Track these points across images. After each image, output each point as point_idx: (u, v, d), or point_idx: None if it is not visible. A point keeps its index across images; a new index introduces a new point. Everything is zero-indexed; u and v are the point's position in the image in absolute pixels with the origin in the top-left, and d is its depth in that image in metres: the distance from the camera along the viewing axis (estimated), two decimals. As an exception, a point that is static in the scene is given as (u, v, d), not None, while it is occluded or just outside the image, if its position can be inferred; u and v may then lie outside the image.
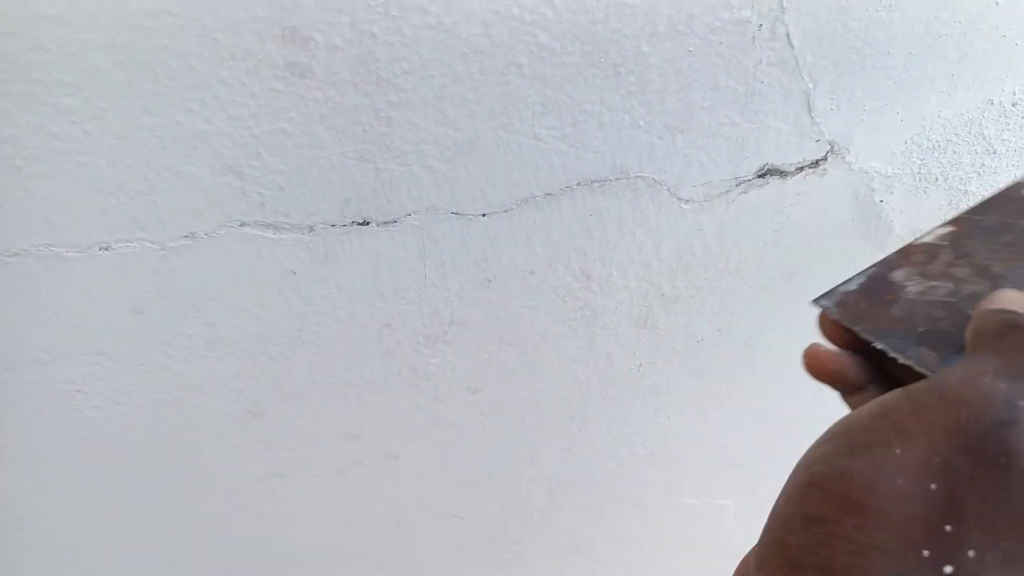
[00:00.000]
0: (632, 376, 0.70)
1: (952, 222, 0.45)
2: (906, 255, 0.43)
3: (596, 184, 0.56)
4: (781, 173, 0.58)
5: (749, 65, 0.53)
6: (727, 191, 0.58)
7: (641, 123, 0.54)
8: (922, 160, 0.60)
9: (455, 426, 0.70)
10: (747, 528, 0.92)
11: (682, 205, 0.58)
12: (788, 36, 0.52)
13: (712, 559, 0.95)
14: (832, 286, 0.42)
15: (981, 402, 0.28)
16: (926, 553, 0.27)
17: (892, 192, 0.61)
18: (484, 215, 0.56)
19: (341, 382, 0.64)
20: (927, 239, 0.44)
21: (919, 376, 0.36)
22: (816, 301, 0.41)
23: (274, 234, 0.54)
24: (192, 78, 0.46)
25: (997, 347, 0.31)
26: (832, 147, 0.58)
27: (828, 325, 0.41)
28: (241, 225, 0.53)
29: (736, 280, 0.65)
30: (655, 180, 0.57)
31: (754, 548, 0.31)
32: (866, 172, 0.60)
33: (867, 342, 0.38)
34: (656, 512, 0.84)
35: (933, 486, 0.27)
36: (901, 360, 0.36)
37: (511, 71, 0.50)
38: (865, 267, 0.43)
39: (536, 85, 0.50)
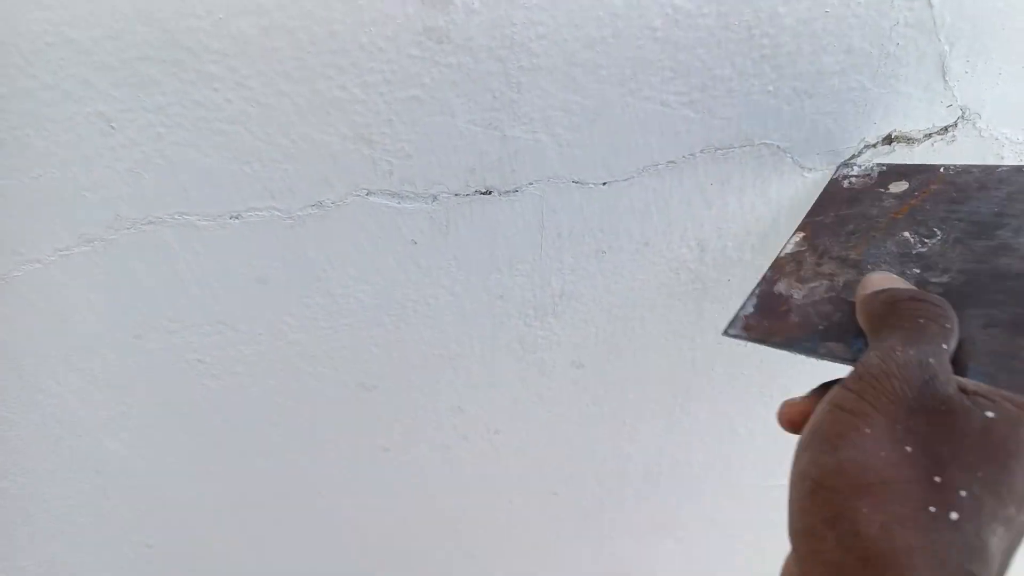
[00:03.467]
0: (739, 353, 0.69)
1: (800, 228, 0.50)
2: (779, 268, 0.48)
3: (720, 151, 0.55)
4: (908, 140, 0.57)
5: (885, 26, 0.51)
6: (852, 159, 0.57)
7: (770, 88, 0.53)
8: (1056, 126, 0.58)
9: (558, 401, 0.70)
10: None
11: (804, 174, 0.57)
12: (928, -5, 0.50)
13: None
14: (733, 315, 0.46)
15: (903, 371, 0.32)
16: (932, 509, 0.29)
17: (1023, 159, 0.59)
18: (605, 184, 0.55)
19: (450, 354, 0.64)
20: (788, 250, 0.49)
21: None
22: (725, 332, 0.45)
23: (398, 203, 0.54)
24: (333, 43, 0.46)
25: (889, 322, 0.35)
26: (963, 113, 0.56)
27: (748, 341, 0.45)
28: (367, 194, 0.53)
29: (852, 253, 0.63)
30: (779, 147, 0.56)
31: (791, 563, 0.33)
32: (996, 139, 0.58)
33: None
34: (751, 492, 0.83)
35: (908, 448, 0.31)
36: (816, 358, 0.40)
37: (644, 35, 0.49)
38: (750, 290, 0.47)
39: (668, 49, 0.50)
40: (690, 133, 0.54)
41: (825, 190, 0.53)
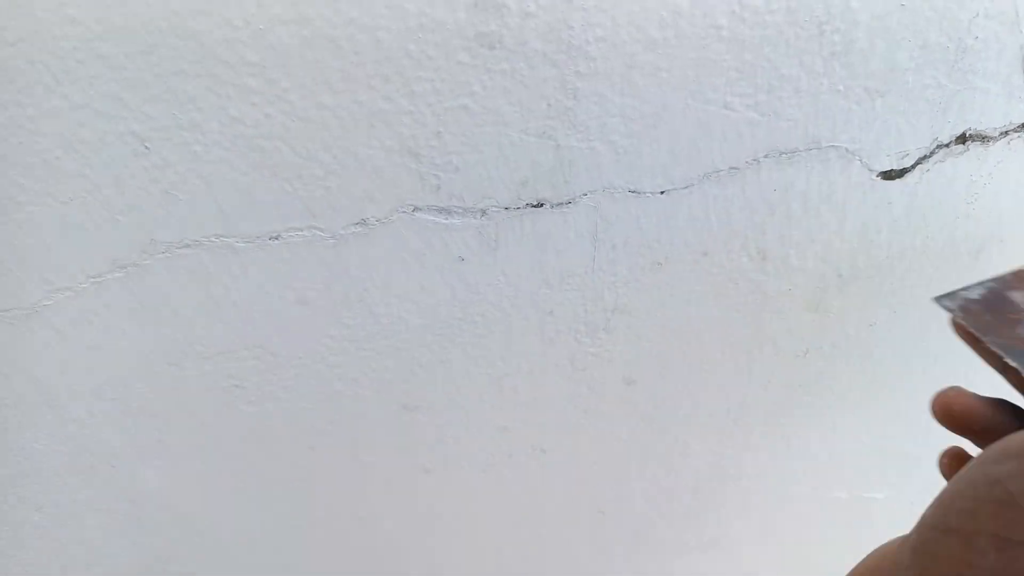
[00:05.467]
0: (797, 363, 0.65)
1: None
2: (1021, 279, 0.44)
3: (784, 155, 0.52)
4: (983, 138, 0.53)
5: (964, 19, 0.48)
6: (923, 159, 0.54)
7: (840, 87, 0.49)
8: None
9: (606, 418, 0.67)
10: (894, 521, 0.87)
11: (873, 177, 0.54)
12: (1012, -16, 0.47)
13: (855, 554, 0.90)
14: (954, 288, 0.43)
15: None
16: None
17: (1103, 157, 0.56)
18: (663, 192, 0.52)
19: (497, 373, 0.61)
20: None
21: None
22: (939, 300, 0.42)
23: (446, 219, 0.51)
24: (378, 52, 0.43)
25: None
26: (1043, 108, 0.53)
27: (957, 328, 0.42)
28: (414, 210, 0.50)
29: (920, 257, 0.60)
30: (848, 150, 0.52)
31: (911, 555, 0.30)
32: (1077, 135, 0.54)
33: (995, 354, 0.39)
34: (804, 506, 0.80)
35: None
36: None
37: (709, 34, 0.46)
38: (981, 279, 0.43)
39: (733, 49, 0.47)
40: (754, 137, 0.51)
41: None
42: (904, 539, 0.32)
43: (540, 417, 0.66)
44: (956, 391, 0.37)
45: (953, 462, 0.38)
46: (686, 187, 0.52)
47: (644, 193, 0.52)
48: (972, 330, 0.41)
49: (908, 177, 0.54)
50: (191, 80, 0.43)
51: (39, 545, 0.66)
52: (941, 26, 0.48)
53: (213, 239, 0.50)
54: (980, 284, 0.45)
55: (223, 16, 0.41)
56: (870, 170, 0.53)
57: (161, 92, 0.43)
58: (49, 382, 0.55)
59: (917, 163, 0.54)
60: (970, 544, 0.28)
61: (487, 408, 0.64)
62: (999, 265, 0.62)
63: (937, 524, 0.30)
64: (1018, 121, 0.53)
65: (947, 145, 0.53)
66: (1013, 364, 0.39)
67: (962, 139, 0.53)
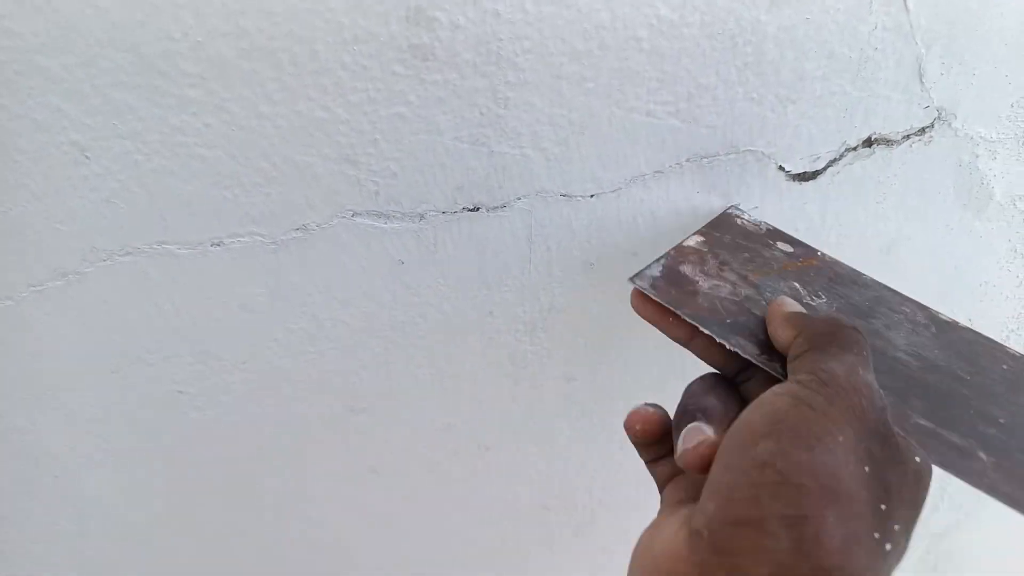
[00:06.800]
0: (726, 357, 0.69)
1: (700, 232, 0.53)
2: (682, 253, 0.50)
3: (705, 160, 0.55)
4: (888, 142, 0.58)
5: (864, 31, 0.52)
6: (833, 162, 0.57)
7: (754, 95, 0.53)
8: (1028, 123, 0.59)
9: (549, 415, 0.69)
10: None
11: (788, 179, 0.58)
12: (905, -1, 0.51)
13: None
14: (642, 267, 0.49)
15: (868, 392, 0.32)
16: (876, 535, 0.29)
17: (995, 158, 0.60)
18: (592, 196, 0.55)
19: (440, 373, 0.63)
20: (690, 243, 0.51)
21: (741, 361, 0.44)
22: (632, 279, 0.48)
23: (385, 223, 0.53)
24: (315, 64, 0.45)
25: (837, 343, 0.35)
26: (940, 113, 0.57)
27: (641, 301, 0.48)
28: (353, 215, 0.52)
29: (835, 254, 0.63)
30: (764, 153, 0.56)
31: (711, 553, 0.30)
32: (971, 138, 0.59)
33: (687, 325, 0.45)
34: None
35: (866, 468, 0.30)
36: (728, 346, 0.43)
37: (630, 46, 0.49)
38: (656, 257, 0.50)
39: (653, 60, 0.50)
40: (676, 142, 0.54)
41: (721, 216, 0.56)
42: (685, 534, 0.32)
43: (483, 415, 0.68)
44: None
45: (647, 427, 0.42)
46: (614, 191, 0.55)
47: (575, 197, 0.55)
48: (666, 304, 0.45)
49: (821, 179, 0.58)
50: (131, 91, 0.44)
51: (-20, 559, 0.66)
52: (843, 37, 0.52)
53: (155, 246, 0.50)
54: (657, 262, 0.49)
55: (162, 28, 0.42)
56: (785, 172, 0.57)
57: (100, 103, 0.44)
58: (-11, 392, 0.55)
59: (828, 165, 0.57)
60: (762, 529, 0.29)
61: (431, 407, 0.66)
62: (910, 260, 0.66)
63: (726, 518, 0.30)
64: (918, 125, 0.57)
65: (855, 148, 0.57)
66: (706, 331, 0.43)
67: (868, 143, 0.57)
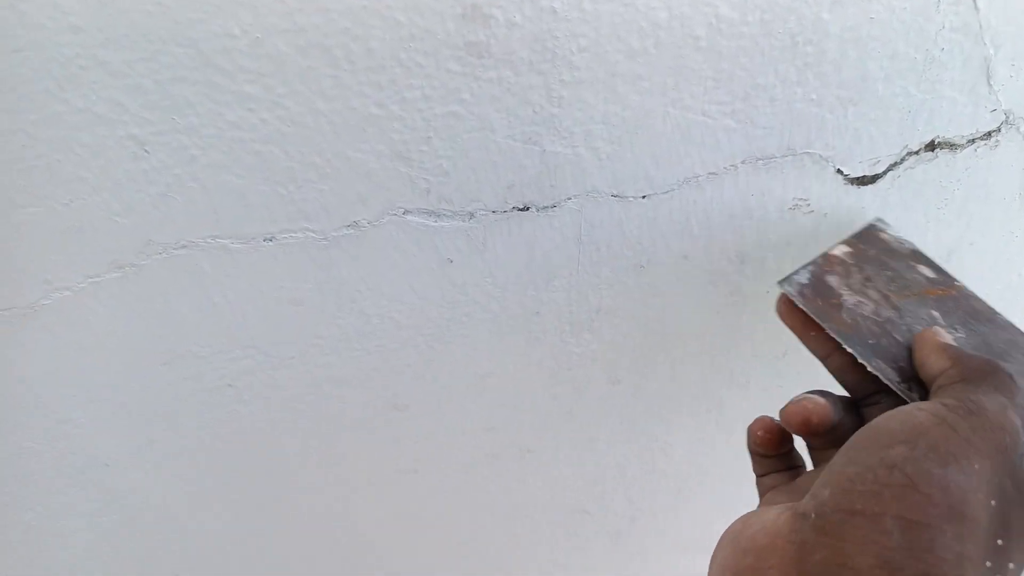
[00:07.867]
0: (775, 364, 0.67)
1: (846, 243, 0.51)
2: (830, 263, 0.49)
3: (761, 161, 0.54)
4: (952, 146, 0.56)
5: (931, 31, 0.50)
6: (893, 166, 0.56)
7: (813, 96, 0.51)
8: (1101, 128, 0.57)
9: (591, 418, 0.69)
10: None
11: (846, 183, 0.56)
12: (975, -2, 0.49)
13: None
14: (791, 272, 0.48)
15: (1013, 431, 0.33)
16: (988, 564, 0.30)
17: (1065, 164, 0.58)
18: (644, 197, 0.54)
19: (484, 373, 0.63)
20: (837, 252, 0.50)
21: (877, 384, 0.42)
22: (781, 283, 0.47)
23: (435, 222, 0.53)
24: (370, 61, 0.45)
25: (991, 382, 0.36)
26: (1007, 117, 0.55)
27: (788, 309, 0.47)
28: (404, 213, 0.52)
29: (892, 261, 0.62)
30: (821, 156, 0.54)
31: (814, 534, 0.31)
32: (1040, 143, 0.57)
33: (829, 340, 0.43)
34: (785, 506, 0.82)
35: (993, 502, 0.31)
36: (870, 368, 0.41)
37: (687, 44, 0.48)
38: (803, 263, 0.49)
39: (710, 58, 0.49)
40: (731, 143, 0.53)
41: (866, 228, 0.55)
42: (789, 515, 0.33)
43: (525, 417, 0.67)
44: (812, 402, 0.40)
45: (768, 435, 0.43)
46: (666, 192, 0.54)
47: (627, 197, 0.54)
48: (812, 314, 0.44)
49: (880, 183, 0.56)
50: (190, 86, 0.44)
51: (28, 546, 0.67)
52: (909, 37, 0.50)
53: (209, 240, 0.51)
54: (804, 268, 0.48)
55: (221, 26, 0.42)
56: (843, 176, 0.56)
57: (160, 98, 0.45)
58: (42, 382, 0.56)
59: (888, 169, 0.56)
60: (877, 524, 0.30)
61: (473, 408, 0.65)
62: (972, 269, 0.64)
63: (840, 505, 0.31)
64: (984, 129, 0.56)
65: (917, 152, 0.56)
66: (850, 350, 0.42)
67: (931, 146, 0.56)
